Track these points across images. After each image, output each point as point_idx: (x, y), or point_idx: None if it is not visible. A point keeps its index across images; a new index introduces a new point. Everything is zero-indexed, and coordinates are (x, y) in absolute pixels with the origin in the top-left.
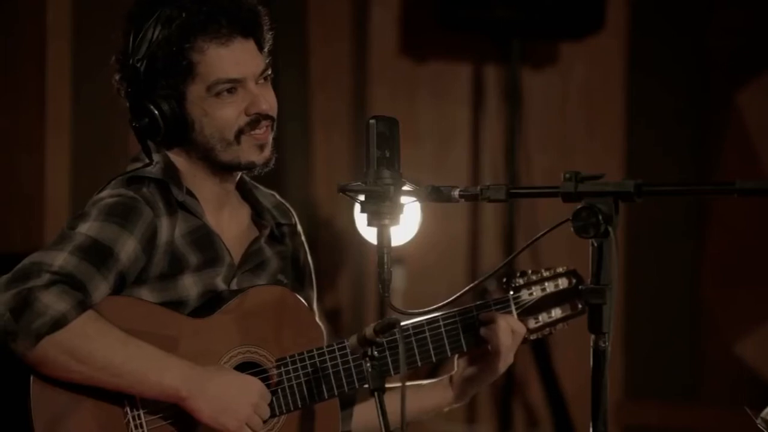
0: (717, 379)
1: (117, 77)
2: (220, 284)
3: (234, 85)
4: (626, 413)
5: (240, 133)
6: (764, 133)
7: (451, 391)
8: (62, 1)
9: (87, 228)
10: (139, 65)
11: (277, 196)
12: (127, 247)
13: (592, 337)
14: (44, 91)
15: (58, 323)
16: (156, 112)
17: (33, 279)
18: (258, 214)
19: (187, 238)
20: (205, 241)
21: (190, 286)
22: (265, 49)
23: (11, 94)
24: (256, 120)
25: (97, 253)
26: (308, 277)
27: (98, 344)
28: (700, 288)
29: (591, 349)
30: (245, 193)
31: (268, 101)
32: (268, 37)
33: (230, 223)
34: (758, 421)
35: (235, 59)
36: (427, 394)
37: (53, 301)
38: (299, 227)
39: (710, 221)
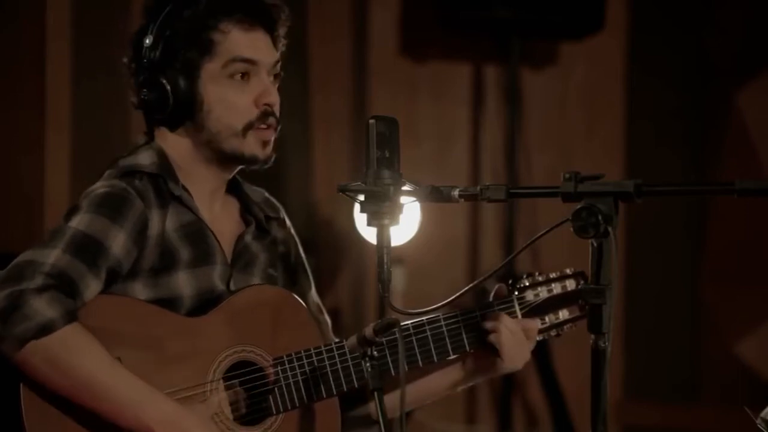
0: (717, 379)
1: (131, 53)
2: (218, 284)
3: (248, 69)
4: (626, 413)
5: (249, 127)
6: (764, 133)
7: (450, 376)
8: (62, 1)
9: (78, 221)
10: (158, 40)
11: (266, 193)
12: (118, 240)
13: (592, 337)
14: (44, 91)
15: (44, 329)
16: (168, 86)
17: (26, 280)
18: (246, 209)
19: (180, 232)
20: (198, 236)
21: (184, 284)
22: (278, 53)
23: (11, 94)
24: (265, 113)
25: (88, 249)
26: (302, 270)
27: (80, 360)
28: (700, 288)
29: (591, 349)
30: (234, 188)
31: (276, 96)
32: (283, 42)
33: (222, 218)
34: (758, 421)
35: (255, 44)
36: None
37: (43, 307)
38: (288, 222)
39: (710, 221)
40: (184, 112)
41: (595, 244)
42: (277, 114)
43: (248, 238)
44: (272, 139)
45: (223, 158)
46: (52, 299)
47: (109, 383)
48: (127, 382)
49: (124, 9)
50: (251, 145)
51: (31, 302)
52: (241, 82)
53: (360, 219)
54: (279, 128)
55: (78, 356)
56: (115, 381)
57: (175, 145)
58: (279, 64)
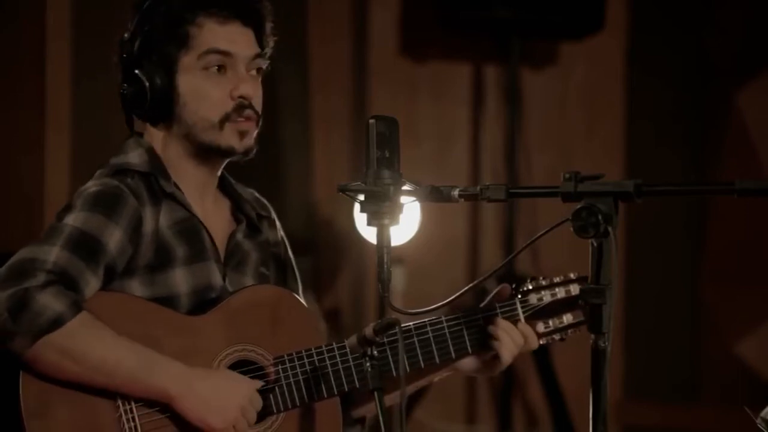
0: (717, 379)
1: (117, 50)
2: (215, 280)
3: (224, 61)
4: (626, 413)
5: (226, 119)
6: (764, 133)
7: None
8: (62, 1)
9: (73, 219)
10: (136, 35)
11: (256, 193)
12: (114, 237)
13: (592, 337)
14: (44, 91)
15: (56, 323)
16: (146, 82)
17: (29, 279)
18: (238, 207)
19: (174, 229)
20: (192, 232)
21: (180, 281)
22: (266, 50)
23: (11, 94)
24: (240, 106)
25: (86, 246)
26: (291, 270)
27: (92, 345)
28: (700, 288)
29: (591, 349)
30: (225, 187)
31: (253, 89)
32: (272, 38)
33: (214, 215)
34: (758, 421)
35: (230, 36)
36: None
37: (50, 302)
38: (278, 223)
39: (710, 221)
40: (163, 106)
41: (595, 244)
42: (257, 107)
43: (240, 236)
44: (252, 130)
45: (201, 151)
46: (58, 293)
47: (117, 360)
48: (133, 355)
49: (124, 9)
50: (228, 137)
51: (38, 298)
52: (216, 74)
53: (360, 219)
54: (260, 121)
55: (88, 343)
56: (122, 356)
57: (158, 140)
58: (260, 58)
